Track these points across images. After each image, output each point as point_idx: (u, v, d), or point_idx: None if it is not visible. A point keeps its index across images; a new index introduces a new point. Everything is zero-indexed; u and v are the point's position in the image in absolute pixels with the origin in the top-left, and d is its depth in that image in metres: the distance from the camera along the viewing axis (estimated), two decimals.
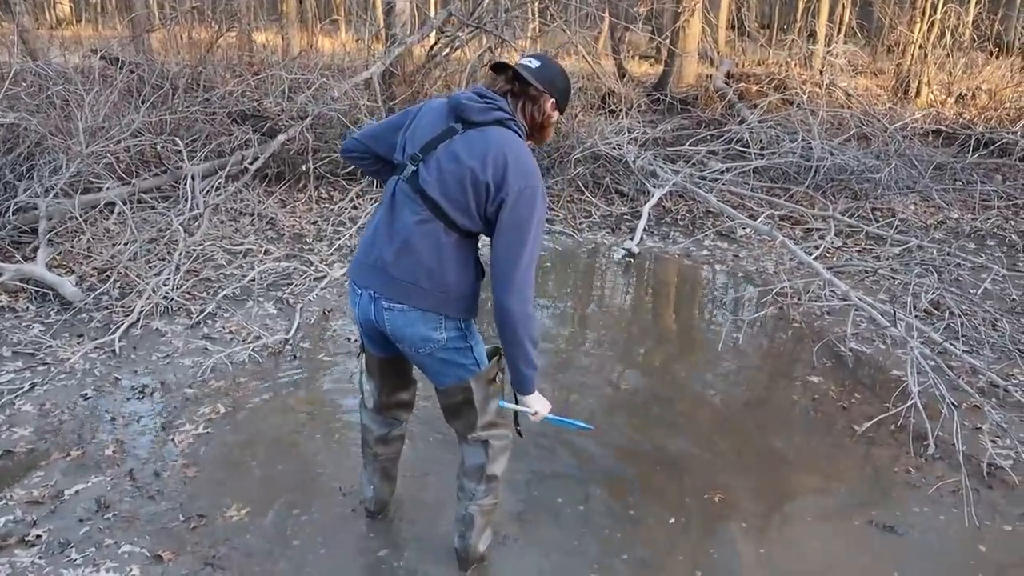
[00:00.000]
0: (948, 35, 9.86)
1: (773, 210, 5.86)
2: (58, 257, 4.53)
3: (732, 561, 2.38)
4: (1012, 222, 6.18)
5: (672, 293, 4.84)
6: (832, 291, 4.40)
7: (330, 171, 6.29)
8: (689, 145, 7.26)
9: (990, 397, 3.39)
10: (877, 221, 5.99)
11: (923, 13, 9.83)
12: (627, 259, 5.22)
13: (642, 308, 4.48)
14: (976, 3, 11.15)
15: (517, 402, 2.08)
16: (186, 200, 4.98)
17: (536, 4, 9.09)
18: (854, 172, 6.66)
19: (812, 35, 12.22)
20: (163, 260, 4.54)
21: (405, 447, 2.47)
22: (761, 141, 7.17)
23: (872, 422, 3.15)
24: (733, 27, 13.87)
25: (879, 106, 8.84)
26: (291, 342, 3.75)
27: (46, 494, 2.57)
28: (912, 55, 9.99)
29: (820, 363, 3.73)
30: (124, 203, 4.88)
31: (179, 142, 5.50)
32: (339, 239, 5.16)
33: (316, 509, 2.55)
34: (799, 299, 4.45)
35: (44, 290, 4.08)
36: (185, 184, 5.11)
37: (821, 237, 5.43)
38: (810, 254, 4.81)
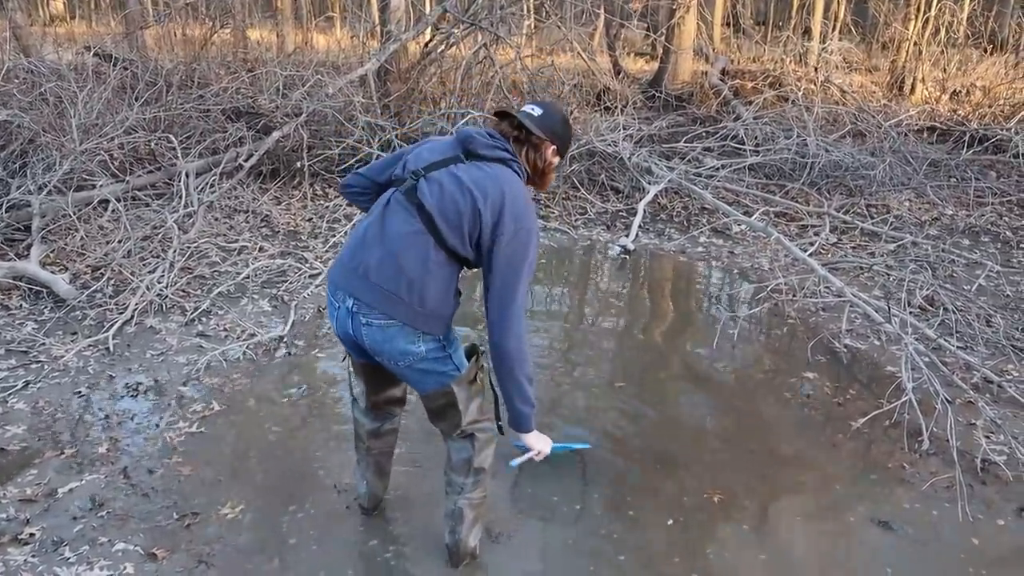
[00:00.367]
0: (943, 32, 9.86)
1: (768, 207, 5.87)
2: (52, 255, 4.52)
3: (731, 561, 2.38)
4: (1006, 218, 6.19)
5: (667, 290, 4.84)
6: (827, 287, 4.40)
7: (325, 168, 6.27)
8: (684, 142, 7.25)
9: (984, 393, 3.40)
10: (872, 218, 6.00)
11: (918, 10, 9.83)
12: (622, 256, 5.22)
13: (637, 305, 4.48)
14: (970, 0, 11.17)
15: (518, 443, 2.13)
16: (180, 197, 4.97)
17: (531, 1, 9.08)
18: (849, 169, 6.66)
19: (807, 32, 12.22)
20: (157, 257, 4.53)
21: (398, 443, 2.47)
22: (756, 138, 7.18)
23: (867, 418, 3.16)
24: (728, 24, 13.90)
25: (874, 103, 8.85)
26: (286, 339, 3.74)
27: (39, 492, 2.56)
28: (907, 52, 10.00)
29: (815, 359, 3.74)
30: (118, 200, 4.86)
31: (173, 139, 5.48)
32: (334, 236, 5.15)
33: (310, 506, 2.54)
34: (794, 295, 4.46)
35: (37, 288, 4.07)
36: (179, 181, 5.09)
37: (816, 234, 5.44)
38: (805, 251, 4.81)
